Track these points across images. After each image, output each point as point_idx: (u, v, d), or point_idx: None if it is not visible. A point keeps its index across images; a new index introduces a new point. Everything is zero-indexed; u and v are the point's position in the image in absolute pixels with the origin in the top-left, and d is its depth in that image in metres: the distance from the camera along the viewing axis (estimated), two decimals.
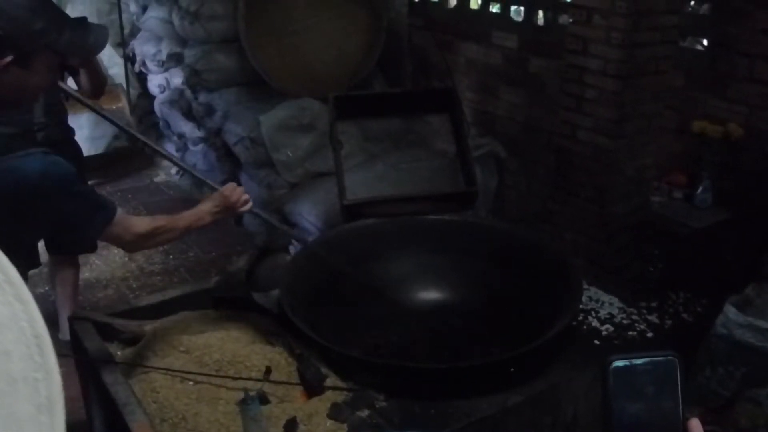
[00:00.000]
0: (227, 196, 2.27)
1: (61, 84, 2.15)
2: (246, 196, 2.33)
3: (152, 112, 5.85)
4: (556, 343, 2.24)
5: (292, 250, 3.03)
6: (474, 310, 2.68)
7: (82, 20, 2.03)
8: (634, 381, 0.81)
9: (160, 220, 2.17)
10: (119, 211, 2.07)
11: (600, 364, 0.82)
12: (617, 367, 0.81)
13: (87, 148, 3.64)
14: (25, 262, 2.59)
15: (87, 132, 5.26)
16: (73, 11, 5.45)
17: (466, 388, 2.12)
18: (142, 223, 2.12)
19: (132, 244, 2.14)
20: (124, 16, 5.86)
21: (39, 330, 0.55)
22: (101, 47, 2.10)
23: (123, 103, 5.82)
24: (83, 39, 1.95)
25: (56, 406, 0.53)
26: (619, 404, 0.80)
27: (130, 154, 5.78)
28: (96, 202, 2.03)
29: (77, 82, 3.20)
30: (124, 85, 5.92)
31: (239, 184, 2.37)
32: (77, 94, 2.34)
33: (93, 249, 3.61)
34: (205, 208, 2.25)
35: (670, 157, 3.50)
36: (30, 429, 0.52)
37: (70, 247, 3.37)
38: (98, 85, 3.22)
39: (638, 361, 0.81)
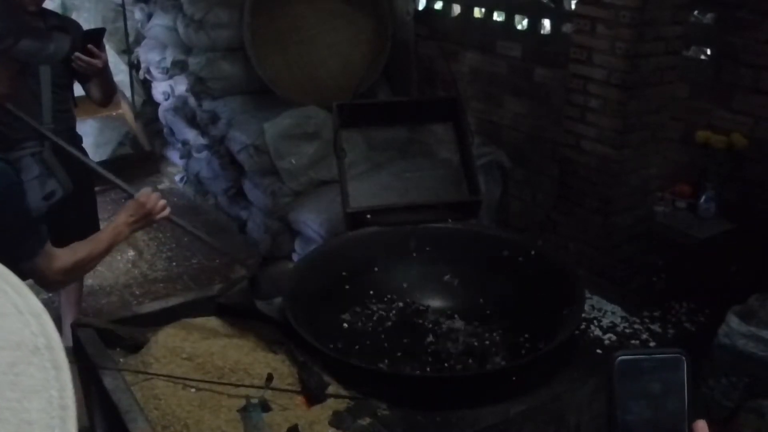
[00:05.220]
0: (142, 203, 2.16)
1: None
2: (163, 202, 2.20)
3: (157, 119, 5.87)
4: (558, 352, 2.23)
5: (295, 258, 3.03)
6: (477, 319, 2.67)
7: (46, 30, 2.04)
8: (639, 378, 0.78)
9: (81, 251, 2.09)
10: (47, 244, 2.01)
11: (606, 359, 0.80)
12: (623, 362, 0.78)
13: (92, 155, 3.65)
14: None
15: (92, 139, 5.28)
16: (78, 18, 5.48)
17: (469, 398, 2.11)
18: (65, 258, 2.05)
19: (54, 281, 2.09)
20: (128, 23, 5.88)
21: (67, 401, 0.55)
22: (60, 55, 2.10)
23: (123, 110, 5.84)
24: (42, 47, 1.95)
25: None
26: (623, 402, 0.78)
27: (135, 161, 5.79)
28: (33, 225, 1.98)
29: (86, 90, 3.22)
30: (127, 92, 5.94)
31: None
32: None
33: None
34: (121, 219, 2.16)
35: (674, 168, 3.50)
36: None
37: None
38: (108, 93, 3.23)
39: (645, 358, 0.79)
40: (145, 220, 2.18)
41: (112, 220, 2.21)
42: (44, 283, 2.10)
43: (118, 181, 2.26)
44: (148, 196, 2.18)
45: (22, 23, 1.95)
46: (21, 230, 1.93)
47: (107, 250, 2.17)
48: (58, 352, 0.57)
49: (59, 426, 0.53)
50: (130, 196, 2.21)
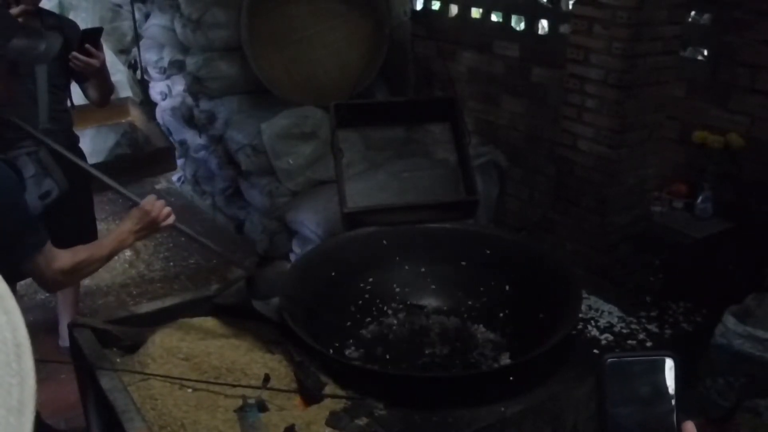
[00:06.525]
0: (147, 211, 2.13)
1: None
2: (168, 209, 2.17)
3: (154, 119, 5.86)
4: (555, 352, 2.23)
5: (292, 257, 3.03)
6: (474, 318, 2.68)
7: (36, 29, 2.04)
8: (629, 380, 0.79)
9: (82, 253, 2.06)
10: (48, 243, 1.98)
11: (596, 362, 0.81)
12: (612, 364, 0.79)
13: (89, 157, 3.65)
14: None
15: (89, 141, 5.27)
16: (75, 18, 5.47)
17: (466, 397, 2.11)
18: (65, 258, 2.02)
19: (52, 282, 2.05)
20: (126, 23, 5.87)
21: (20, 339, 0.59)
22: (52, 54, 2.10)
23: (133, 117, 5.83)
24: (34, 46, 1.95)
25: (26, 409, 0.56)
26: (613, 403, 0.79)
27: (132, 163, 5.78)
28: (32, 223, 1.96)
29: (84, 90, 3.21)
30: (135, 96, 5.93)
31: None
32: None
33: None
34: (126, 227, 2.13)
35: (671, 167, 3.50)
36: None
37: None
38: (105, 93, 3.22)
39: (633, 360, 0.80)
40: (150, 227, 2.16)
41: (117, 226, 2.18)
42: (42, 282, 2.08)
43: (122, 189, 2.25)
44: (152, 203, 2.15)
45: (14, 22, 1.95)
46: (22, 230, 1.92)
47: (109, 256, 2.14)
48: (8, 300, 0.60)
49: (15, 360, 0.57)
50: (135, 204, 2.18)
